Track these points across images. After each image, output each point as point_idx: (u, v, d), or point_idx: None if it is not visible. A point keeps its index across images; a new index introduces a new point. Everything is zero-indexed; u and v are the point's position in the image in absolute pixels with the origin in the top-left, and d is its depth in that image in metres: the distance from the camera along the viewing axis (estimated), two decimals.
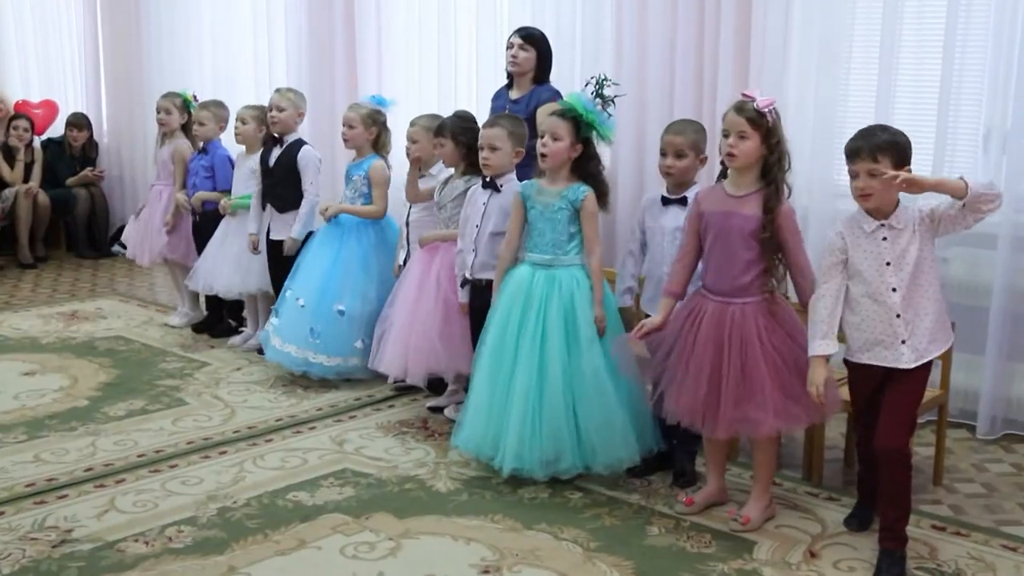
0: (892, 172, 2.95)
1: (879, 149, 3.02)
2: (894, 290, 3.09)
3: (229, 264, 5.53)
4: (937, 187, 3.00)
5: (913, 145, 3.10)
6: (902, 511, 3.15)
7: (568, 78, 5.18)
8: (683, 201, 3.66)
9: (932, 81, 4.33)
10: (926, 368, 3.15)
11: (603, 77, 3.78)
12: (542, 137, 3.71)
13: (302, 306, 4.83)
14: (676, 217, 3.66)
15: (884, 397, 3.16)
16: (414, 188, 4.63)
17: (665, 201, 3.70)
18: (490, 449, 3.73)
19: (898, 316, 3.10)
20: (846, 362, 3.29)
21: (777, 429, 3.33)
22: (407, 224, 4.71)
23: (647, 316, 3.75)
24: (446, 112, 5.37)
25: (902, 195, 3.09)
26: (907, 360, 3.12)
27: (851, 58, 4.60)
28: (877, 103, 4.40)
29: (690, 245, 3.45)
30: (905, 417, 3.13)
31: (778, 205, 3.26)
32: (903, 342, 3.11)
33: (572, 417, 3.63)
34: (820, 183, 4.62)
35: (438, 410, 4.52)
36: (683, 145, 3.63)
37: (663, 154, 3.69)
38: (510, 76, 4.96)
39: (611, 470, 3.69)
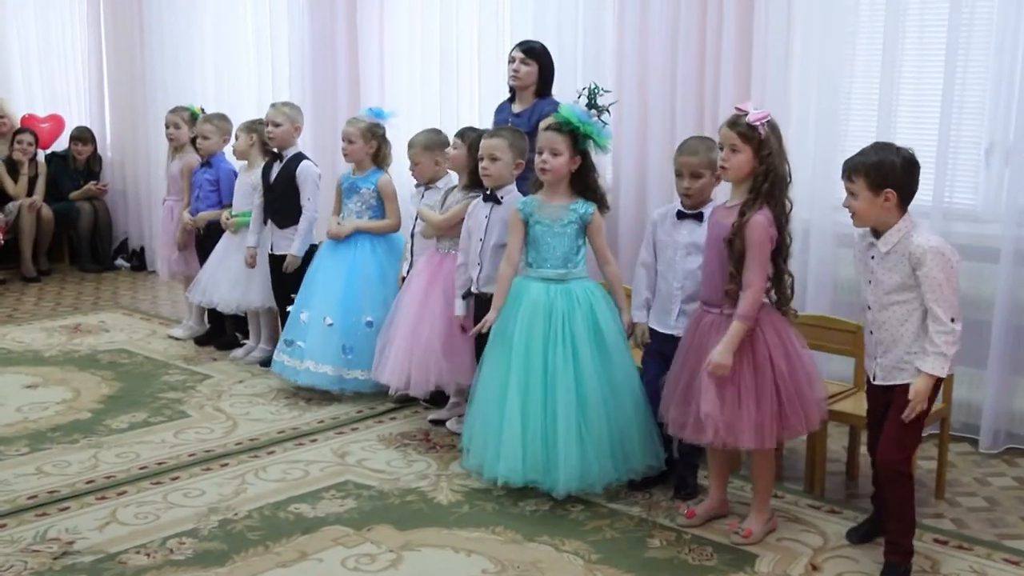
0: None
1: (853, 170, 3.08)
2: (868, 307, 3.17)
3: (229, 279, 5.53)
4: (921, 401, 3.04)
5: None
6: (903, 525, 3.15)
7: (570, 91, 5.17)
8: (699, 216, 3.65)
9: (934, 95, 4.34)
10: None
11: (595, 86, 3.79)
12: (541, 153, 3.72)
13: (330, 325, 4.81)
14: (691, 232, 3.65)
15: (887, 414, 3.17)
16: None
17: (680, 215, 3.69)
18: (531, 473, 3.65)
19: (871, 333, 3.19)
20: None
21: (696, 440, 3.36)
22: (412, 236, 4.71)
23: (653, 331, 3.77)
24: (450, 125, 5.41)
25: (922, 210, 3.13)
26: (876, 377, 3.19)
27: (853, 72, 4.61)
28: (879, 117, 4.41)
29: None
30: (901, 434, 3.11)
31: (751, 213, 3.24)
32: (875, 359, 3.19)
33: (611, 427, 3.65)
34: (821, 197, 4.62)
35: (440, 423, 4.52)
36: (699, 165, 3.61)
37: (679, 175, 3.67)
38: (512, 90, 4.98)
39: (642, 474, 3.74)
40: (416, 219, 4.69)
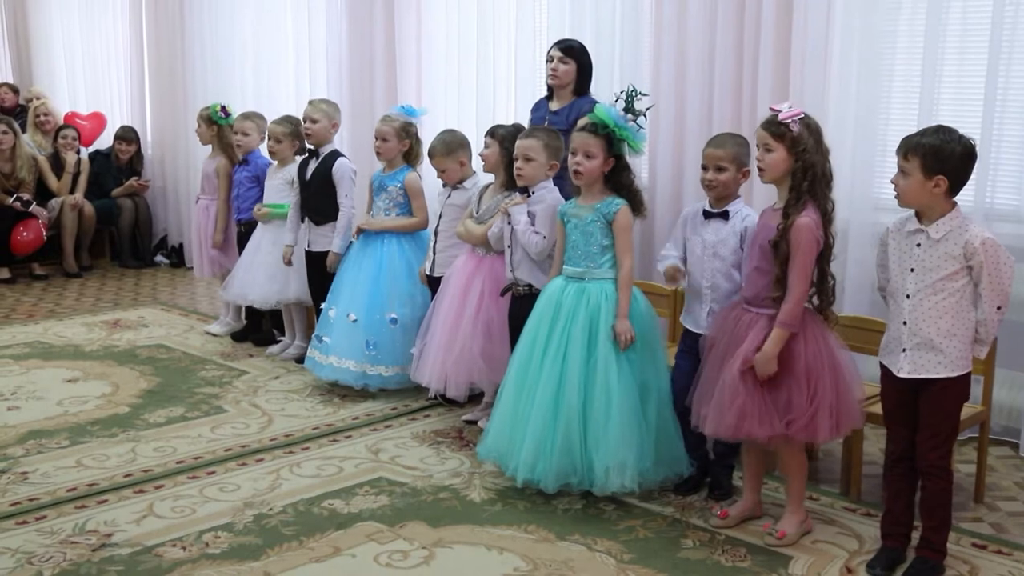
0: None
1: (910, 149, 3.01)
2: (907, 296, 3.09)
3: (265, 274, 5.56)
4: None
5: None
6: (938, 522, 3.15)
7: (607, 90, 5.17)
8: (724, 215, 3.63)
9: (976, 94, 4.27)
10: (954, 383, 3.07)
11: (633, 90, 3.77)
12: (575, 155, 3.71)
13: (354, 321, 4.84)
14: (717, 231, 3.63)
15: (919, 410, 3.13)
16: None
17: (707, 215, 3.68)
18: (508, 458, 3.74)
19: (904, 323, 3.11)
20: (881, 365, 3.25)
21: (756, 437, 3.29)
22: (435, 233, 4.72)
23: (686, 330, 3.75)
24: (485, 123, 5.41)
25: (963, 211, 3.06)
26: (902, 370, 3.12)
27: (893, 70, 4.55)
28: (919, 117, 4.34)
29: None
30: (938, 430, 3.10)
31: (795, 215, 3.21)
32: (903, 350, 3.11)
33: (582, 432, 3.60)
34: (861, 196, 4.57)
35: (473, 422, 4.53)
36: (723, 158, 3.60)
37: (704, 168, 3.66)
38: (550, 88, 4.97)
39: (604, 492, 3.61)
40: (440, 216, 4.70)
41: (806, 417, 3.23)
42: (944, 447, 3.12)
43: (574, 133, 3.79)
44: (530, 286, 4.11)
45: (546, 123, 4.68)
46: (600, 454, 3.57)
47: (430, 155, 4.73)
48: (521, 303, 4.11)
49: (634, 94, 3.75)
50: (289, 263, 5.39)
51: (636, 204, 3.76)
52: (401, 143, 4.96)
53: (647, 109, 3.80)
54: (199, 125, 6.17)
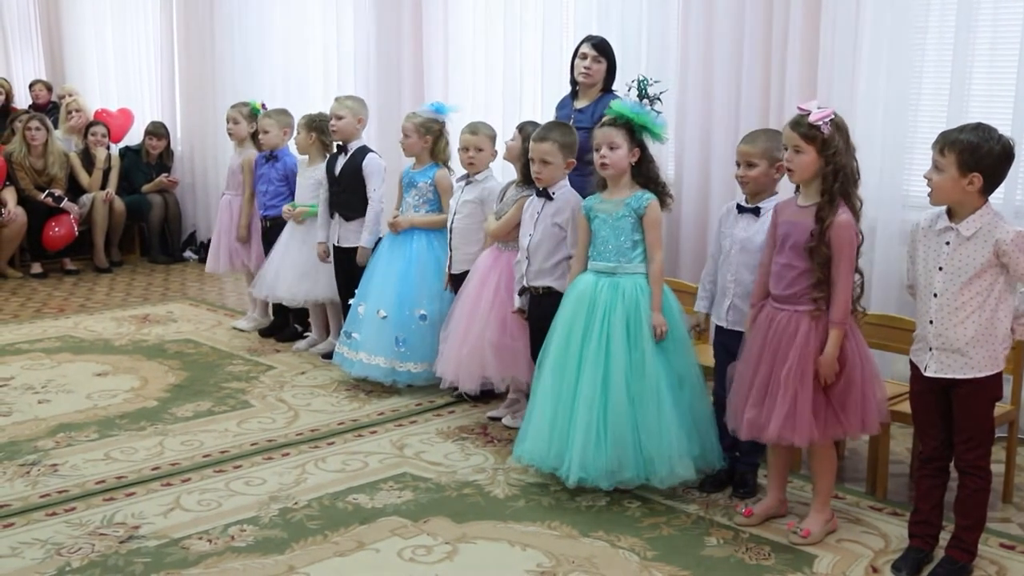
0: None
1: (948, 144, 2.96)
2: (935, 295, 3.05)
3: (295, 272, 5.57)
4: None
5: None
6: (972, 521, 3.12)
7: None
8: (756, 211, 3.62)
9: (1007, 91, 4.23)
10: (982, 384, 3.04)
11: (643, 78, 3.78)
12: (599, 150, 3.70)
13: (384, 317, 4.85)
14: (747, 227, 3.63)
15: (953, 412, 3.11)
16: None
17: (740, 210, 3.67)
18: (554, 460, 3.69)
19: (930, 322, 3.07)
20: (911, 363, 3.22)
21: (780, 439, 3.27)
22: (450, 231, 4.73)
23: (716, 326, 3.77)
24: (512, 120, 5.41)
25: (995, 207, 3.01)
26: (928, 368, 3.09)
27: (923, 65, 4.51)
28: (949, 112, 4.31)
29: (768, 259, 3.43)
30: (974, 432, 3.07)
31: (831, 216, 3.19)
32: (930, 349, 3.08)
33: (634, 426, 3.60)
34: (889, 195, 4.54)
35: (498, 419, 4.53)
36: (753, 154, 3.59)
37: (737, 164, 3.67)
38: (574, 84, 4.95)
39: (667, 484, 3.64)
40: (454, 213, 4.71)
41: (827, 415, 3.23)
42: (982, 447, 3.09)
43: (595, 130, 3.78)
44: (549, 288, 4.12)
45: (571, 121, 4.67)
46: (658, 447, 3.57)
47: (473, 131, 4.69)
48: (541, 302, 4.12)
49: (645, 81, 3.76)
50: (325, 260, 5.40)
51: (662, 196, 3.76)
52: (422, 139, 4.97)
53: (661, 93, 3.80)
54: (237, 121, 6.15)
